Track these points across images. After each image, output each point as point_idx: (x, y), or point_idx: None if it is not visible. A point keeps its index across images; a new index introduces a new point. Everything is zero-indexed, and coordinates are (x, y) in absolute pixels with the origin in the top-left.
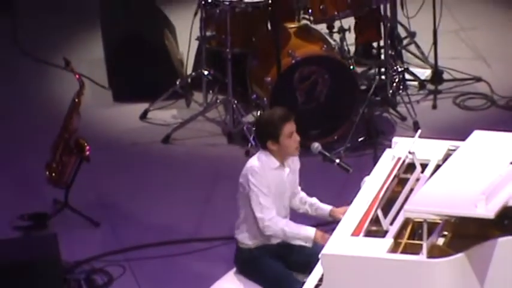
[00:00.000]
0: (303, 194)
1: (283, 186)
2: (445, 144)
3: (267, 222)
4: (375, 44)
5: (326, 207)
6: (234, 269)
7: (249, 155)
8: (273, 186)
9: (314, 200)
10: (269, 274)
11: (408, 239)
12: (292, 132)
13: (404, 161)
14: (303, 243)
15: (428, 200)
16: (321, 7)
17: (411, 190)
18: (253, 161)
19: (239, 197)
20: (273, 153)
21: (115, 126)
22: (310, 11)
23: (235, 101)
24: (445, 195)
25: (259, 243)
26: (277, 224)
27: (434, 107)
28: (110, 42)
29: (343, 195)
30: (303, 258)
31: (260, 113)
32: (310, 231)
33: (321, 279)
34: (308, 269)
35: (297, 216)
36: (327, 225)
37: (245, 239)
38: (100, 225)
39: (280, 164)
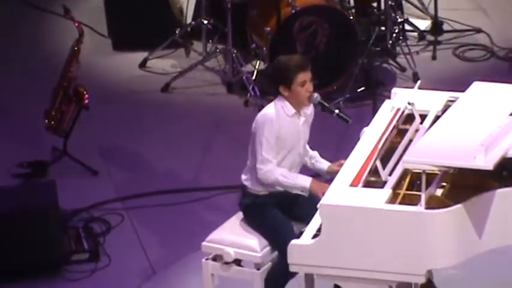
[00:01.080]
0: (307, 148)
1: (298, 134)
2: (445, 95)
3: (263, 172)
4: None
5: (325, 163)
6: (235, 217)
7: (248, 105)
8: (288, 133)
9: (315, 153)
10: (269, 221)
11: (407, 189)
12: (305, 82)
13: (403, 112)
14: (299, 192)
15: (427, 150)
16: None
17: (410, 141)
18: (269, 109)
19: (250, 142)
20: (288, 99)
21: (114, 74)
22: None
23: (235, 51)
24: (444, 146)
25: (265, 191)
26: (273, 174)
27: (434, 58)
28: None
29: (342, 146)
30: (307, 210)
31: (277, 58)
32: (305, 181)
33: (319, 229)
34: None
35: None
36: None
37: (252, 185)
38: (98, 174)
39: (296, 112)
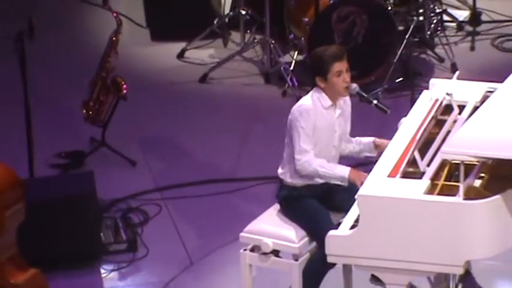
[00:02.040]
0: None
1: (333, 126)
2: (483, 86)
3: (301, 162)
4: None
5: (369, 139)
6: (272, 208)
7: (285, 95)
8: (323, 125)
9: (357, 138)
10: (307, 212)
11: (445, 180)
12: (341, 71)
13: (441, 103)
14: (338, 183)
15: (465, 141)
16: None
17: (448, 132)
18: (306, 100)
19: (287, 134)
20: (324, 91)
21: (152, 65)
22: None
23: (273, 41)
24: (483, 137)
25: (303, 182)
26: (311, 165)
27: (472, 48)
28: None
29: (381, 136)
30: (345, 200)
31: (314, 49)
32: (344, 170)
33: (357, 220)
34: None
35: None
36: (366, 165)
37: (289, 177)
38: (136, 164)
39: (332, 104)
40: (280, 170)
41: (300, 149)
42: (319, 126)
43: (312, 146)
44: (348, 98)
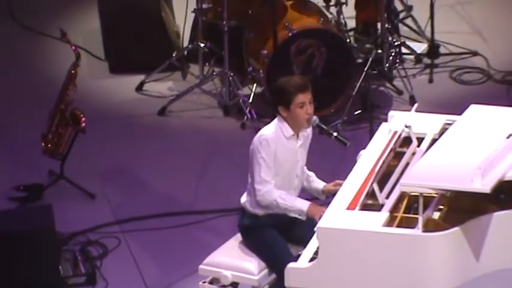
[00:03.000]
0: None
1: (295, 156)
2: (442, 118)
3: (261, 193)
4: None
5: (320, 183)
6: (232, 239)
7: (244, 128)
8: (285, 155)
9: (311, 174)
10: (267, 243)
11: (404, 212)
12: (304, 103)
13: (400, 135)
14: (297, 216)
15: (424, 173)
16: None
17: (407, 164)
18: (267, 130)
19: (250, 164)
20: (286, 120)
21: (111, 98)
22: None
23: (232, 74)
24: (441, 169)
25: (264, 212)
26: (272, 195)
27: (430, 81)
28: (106, 13)
29: (340, 169)
30: (305, 233)
31: (279, 78)
32: (303, 204)
33: (316, 252)
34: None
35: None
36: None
37: (251, 206)
38: (95, 197)
39: (294, 134)
40: (243, 199)
41: (260, 180)
42: (280, 156)
43: (272, 176)
44: (310, 131)
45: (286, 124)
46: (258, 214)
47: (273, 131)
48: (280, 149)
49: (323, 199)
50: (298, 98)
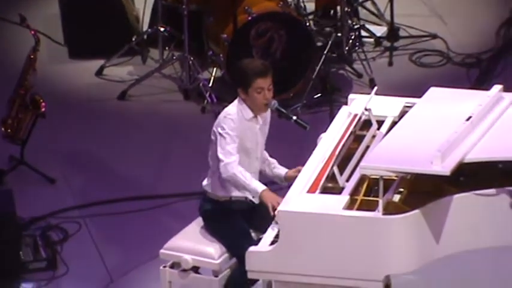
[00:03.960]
0: (265, 153)
1: (255, 138)
2: (401, 101)
3: (224, 163)
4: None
5: (282, 169)
6: (193, 224)
7: (205, 111)
8: (246, 136)
9: (273, 161)
10: (228, 227)
11: (364, 195)
12: (262, 88)
13: (360, 118)
14: (250, 197)
15: (384, 156)
16: None
17: (367, 147)
18: (230, 109)
19: (210, 147)
20: (245, 102)
21: (71, 82)
22: None
23: (192, 58)
24: (401, 152)
25: (226, 196)
26: (233, 168)
27: (390, 64)
28: None
29: (300, 152)
30: (267, 218)
31: (242, 60)
32: (260, 186)
33: (277, 236)
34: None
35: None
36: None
37: (212, 189)
38: (56, 182)
39: (254, 116)
40: (204, 182)
41: (225, 151)
42: (243, 136)
43: (236, 151)
44: (268, 113)
45: (246, 106)
46: (220, 198)
47: (235, 111)
48: (241, 130)
49: (285, 185)
50: (257, 82)
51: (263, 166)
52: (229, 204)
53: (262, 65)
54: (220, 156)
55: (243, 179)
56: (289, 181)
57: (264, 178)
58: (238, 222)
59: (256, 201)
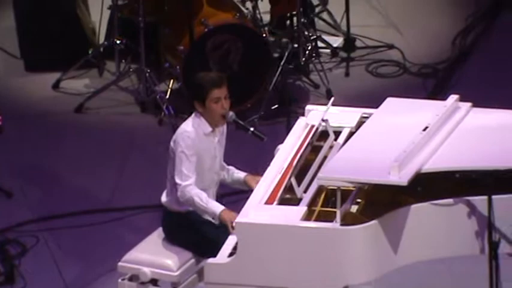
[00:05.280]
0: (223, 163)
1: (214, 152)
2: (358, 112)
3: (181, 187)
4: (288, 15)
5: (241, 174)
6: (151, 236)
7: (162, 124)
8: (205, 152)
9: (231, 167)
10: (198, 236)
11: (322, 206)
12: (219, 98)
13: (317, 129)
14: (210, 219)
15: (341, 167)
16: None
17: (325, 158)
18: (187, 126)
19: (169, 162)
20: (203, 116)
21: (27, 96)
22: None
23: (148, 70)
24: (358, 163)
25: (189, 209)
26: (190, 191)
27: (347, 74)
28: (21, 11)
29: (257, 163)
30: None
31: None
32: (217, 208)
33: (235, 247)
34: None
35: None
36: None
37: (174, 203)
38: (12, 196)
39: (212, 130)
40: (164, 199)
41: (181, 174)
42: (201, 152)
43: (193, 171)
44: (225, 127)
45: (204, 120)
46: (182, 211)
47: (191, 128)
48: (201, 145)
49: (246, 189)
50: (213, 93)
51: (222, 175)
52: (192, 215)
53: (216, 75)
54: (177, 179)
55: (201, 203)
56: (249, 186)
57: (224, 188)
58: (205, 228)
59: (216, 222)
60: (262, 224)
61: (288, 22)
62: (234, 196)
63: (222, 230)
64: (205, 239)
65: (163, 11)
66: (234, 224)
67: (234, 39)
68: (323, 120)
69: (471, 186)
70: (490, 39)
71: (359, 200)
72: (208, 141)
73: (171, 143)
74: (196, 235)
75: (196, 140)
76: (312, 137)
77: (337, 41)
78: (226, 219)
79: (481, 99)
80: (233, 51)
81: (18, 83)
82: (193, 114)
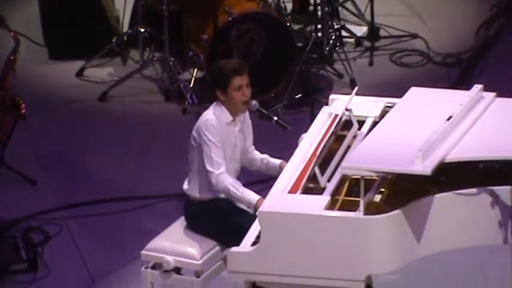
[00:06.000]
0: (256, 152)
1: (234, 141)
2: (382, 101)
3: (215, 175)
4: (311, 1)
5: (276, 161)
6: (174, 224)
7: (186, 112)
8: (226, 140)
9: (265, 156)
10: (220, 225)
11: (345, 196)
12: (241, 86)
13: (341, 118)
14: (245, 208)
15: (365, 156)
16: None
17: (348, 147)
18: (209, 115)
19: (190, 150)
20: (224, 105)
21: (51, 83)
22: None
23: (172, 59)
24: (382, 152)
25: (210, 196)
26: (224, 181)
27: (370, 64)
28: None
29: (281, 153)
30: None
31: (216, 62)
32: (253, 197)
33: (258, 236)
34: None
35: (249, 173)
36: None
37: (196, 191)
38: (37, 184)
39: (233, 119)
40: (186, 186)
41: (212, 161)
42: (223, 140)
43: (222, 158)
44: (247, 115)
45: (225, 109)
46: (204, 199)
47: (214, 116)
48: (222, 134)
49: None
50: (234, 80)
51: (256, 165)
52: (214, 203)
53: (237, 63)
54: (209, 167)
55: (236, 192)
56: None
57: (248, 177)
58: (228, 217)
59: (251, 211)
60: (285, 213)
61: (312, 9)
62: (259, 185)
63: (251, 219)
64: (229, 227)
65: (187, 0)
66: None
67: (258, 28)
68: (347, 109)
69: (495, 176)
70: None
71: (382, 190)
72: (229, 130)
73: (193, 132)
74: (219, 223)
75: (220, 128)
76: (335, 127)
77: (361, 31)
78: None
79: (505, 89)
80: (257, 40)
81: (41, 71)
82: (214, 104)
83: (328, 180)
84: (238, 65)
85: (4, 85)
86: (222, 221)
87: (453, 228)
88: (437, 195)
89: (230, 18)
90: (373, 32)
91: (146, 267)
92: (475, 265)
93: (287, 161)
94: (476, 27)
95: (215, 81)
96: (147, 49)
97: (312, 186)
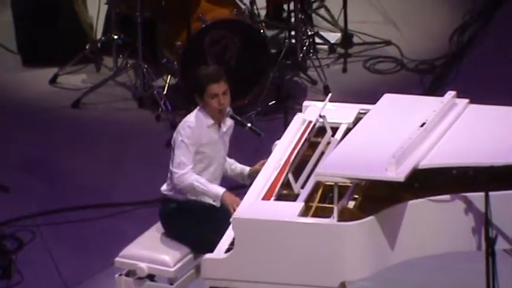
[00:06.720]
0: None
1: (217, 144)
2: (356, 108)
3: (178, 176)
4: (285, 7)
5: (244, 167)
6: (149, 231)
7: (159, 119)
8: (208, 143)
9: (232, 160)
10: (193, 225)
11: (319, 202)
12: (216, 94)
13: (315, 125)
14: (211, 201)
15: (338, 163)
16: None
17: (322, 154)
18: (190, 117)
19: (172, 152)
20: (205, 109)
21: (25, 91)
22: None
23: (146, 65)
24: (356, 159)
25: (187, 198)
26: (188, 178)
27: (344, 70)
28: (18, 5)
29: (255, 159)
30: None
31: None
32: (218, 190)
33: (232, 243)
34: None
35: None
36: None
37: (173, 192)
38: (10, 191)
39: (215, 123)
40: (164, 187)
41: (178, 162)
42: (204, 144)
43: (191, 160)
44: (231, 121)
45: (205, 113)
46: (179, 199)
47: (193, 119)
48: (204, 136)
49: (247, 183)
50: (210, 88)
51: (224, 168)
52: (189, 203)
53: (214, 70)
54: (174, 169)
55: (201, 186)
56: (253, 177)
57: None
58: (203, 219)
59: (217, 204)
60: (259, 219)
61: (285, 15)
62: (234, 191)
63: (221, 215)
64: (203, 225)
65: (160, 7)
66: (235, 208)
67: (232, 34)
68: (320, 116)
69: (468, 182)
70: (487, 36)
71: (356, 196)
72: (212, 134)
73: (174, 134)
74: (194, 221)
75: (198, 131)
76: (309, 133)
77: (334, 37)
78: (228, 201)
79: (478, 96)
80: (230, 47)
81: (15, 78)
82: (197, 108)
83: (302, 187)
84: (215, 72)
85: None
86: (196, 219)
87: (427, 235)
88: (410, 202)
89: (203, 25)
90: (347, 39)
91: (120, 274)
92: (449, 271)
93: (265, 159)
94: (449, 34)
95: (193, 87)
96: (121, 56)
97: (285, 193)
